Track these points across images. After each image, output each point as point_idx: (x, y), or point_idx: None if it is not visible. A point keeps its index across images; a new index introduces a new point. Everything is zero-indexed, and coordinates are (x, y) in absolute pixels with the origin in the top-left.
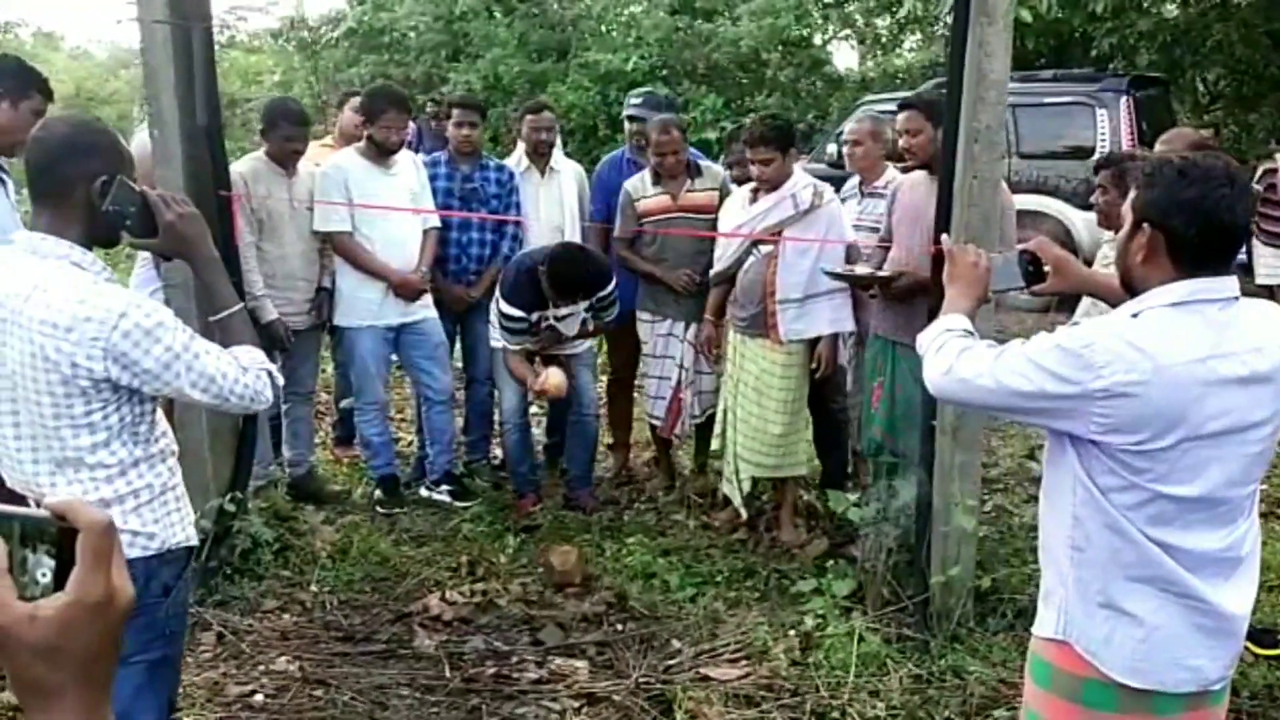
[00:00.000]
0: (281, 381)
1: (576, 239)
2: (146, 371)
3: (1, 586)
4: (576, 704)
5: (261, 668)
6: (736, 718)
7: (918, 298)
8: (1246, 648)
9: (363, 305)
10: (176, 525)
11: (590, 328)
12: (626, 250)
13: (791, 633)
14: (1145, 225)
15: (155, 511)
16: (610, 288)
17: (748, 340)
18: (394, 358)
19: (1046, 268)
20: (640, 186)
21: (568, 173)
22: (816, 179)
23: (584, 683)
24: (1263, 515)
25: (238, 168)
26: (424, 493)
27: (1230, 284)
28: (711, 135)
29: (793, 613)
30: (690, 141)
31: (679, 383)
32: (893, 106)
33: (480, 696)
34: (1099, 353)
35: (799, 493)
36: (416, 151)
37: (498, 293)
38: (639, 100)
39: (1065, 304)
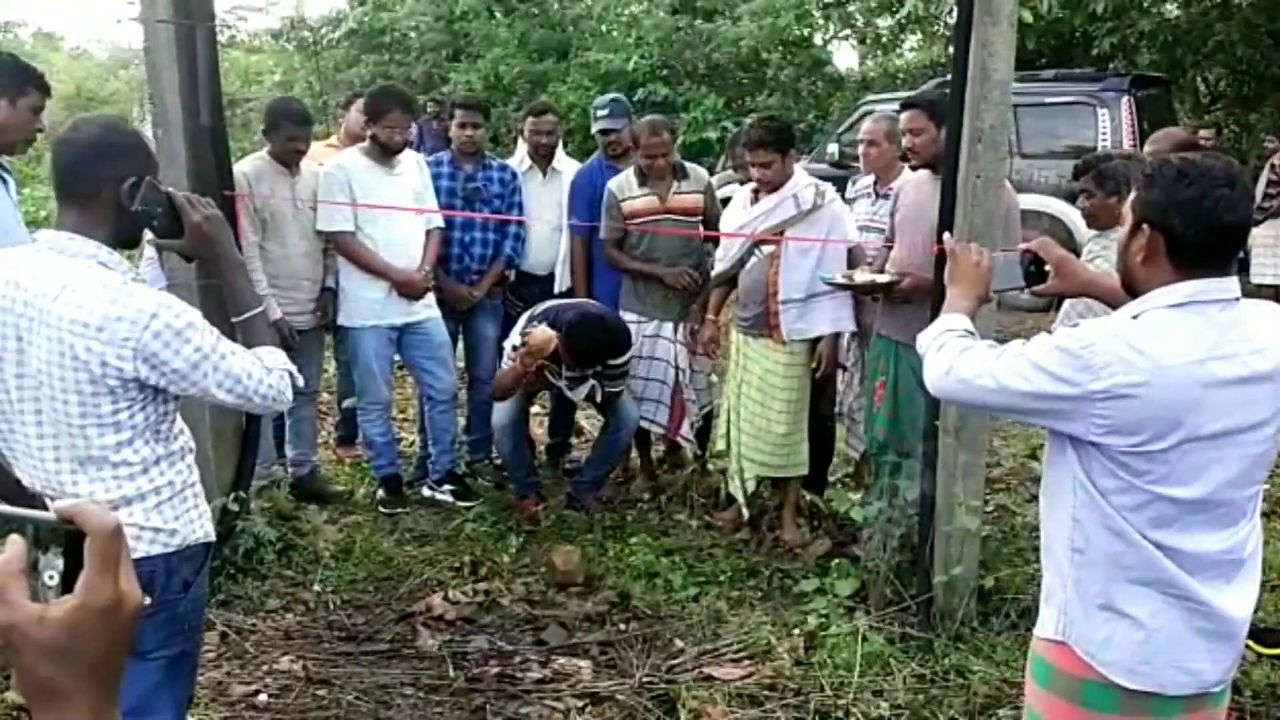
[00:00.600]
0: (301, 382)
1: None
2: (175, 371)
3: (16, 586)
4: (580, 703)
5: (265, 667)
6: (740, 717)
7: (921, 298)
8: (1249, 646)
9: (366, 305)
10: (195, 522)
11: (598, 397)
12: (616, 250)
13: (795, 632)
14: (1145, 226)
15: (175, 509)
16: (625, 357)
17: (751, 340)
18: (396, 358)
19: (1048, 268)
20: (625, 187)
21: (569, 174)
22: (818, 179)
23: (587, 682)
24: (1265, 514)
25: (241, 167)
26: (426, 492)
27: (1231, 285)
28: (712, 135)
29: (796, 612)
30: (690, 141)
31: (677, 383)
32: (895, 106)
33: (484, 696)
34: (1099, 354)
35: (801, 492)
36: (418, 151)
37: (521, 330)
38: (605, 112)
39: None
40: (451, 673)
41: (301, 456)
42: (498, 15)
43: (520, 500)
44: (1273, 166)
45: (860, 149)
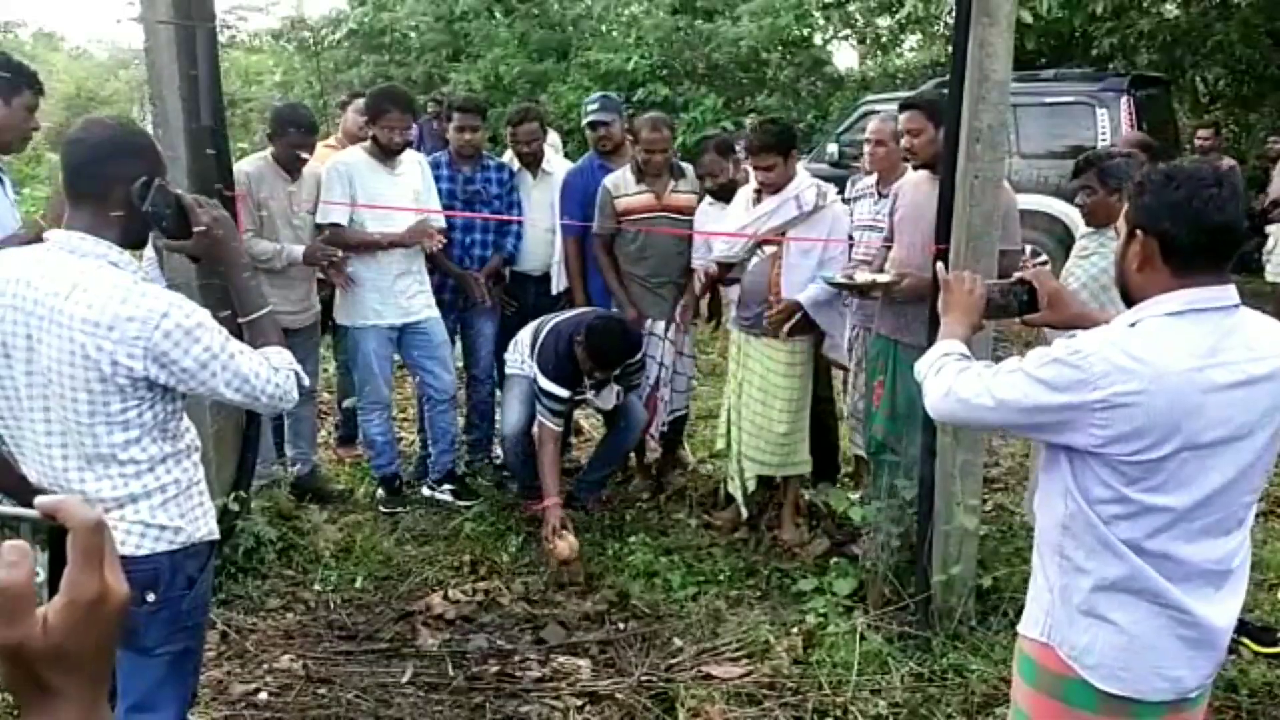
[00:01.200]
0: (306, 382)
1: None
2: (185, 370)
3: (30, 601)
4: (579, 702)
5: (265, 666)
6: (738, 716)
7: (920, 298)
8: (1246, 645)
9: (366, 305)
10: (200, 520)
11: (623, 399)
12: (604, 254)
13: (793, 631)
14: (1139, 233)
15: (180, 506)
16: (639, 355)
17: (752, 340)
18: (396, 357)
19: (1041, 298)
20: (621, 184)
21: (560, 174)
22: (819, 180)
23: (586, 681)
24: (1263, 514)
25: (242, 166)
26: (426, 492)
27: (1229, 293)
28: (712, 134)
29: (794, 611)
30: (691, 141)
31: (657, 381)
32: (895, 106)
33: (483, 695)
34: (1096, 364)
35: (801, 492)
36: (418, 152)
37: (539, 363)
38: (596, 105)
39: None
40: (451, 671)
41: (302, 456)
42: (498, 15)
43: (524, 500)
44: None
45: (866, 149)
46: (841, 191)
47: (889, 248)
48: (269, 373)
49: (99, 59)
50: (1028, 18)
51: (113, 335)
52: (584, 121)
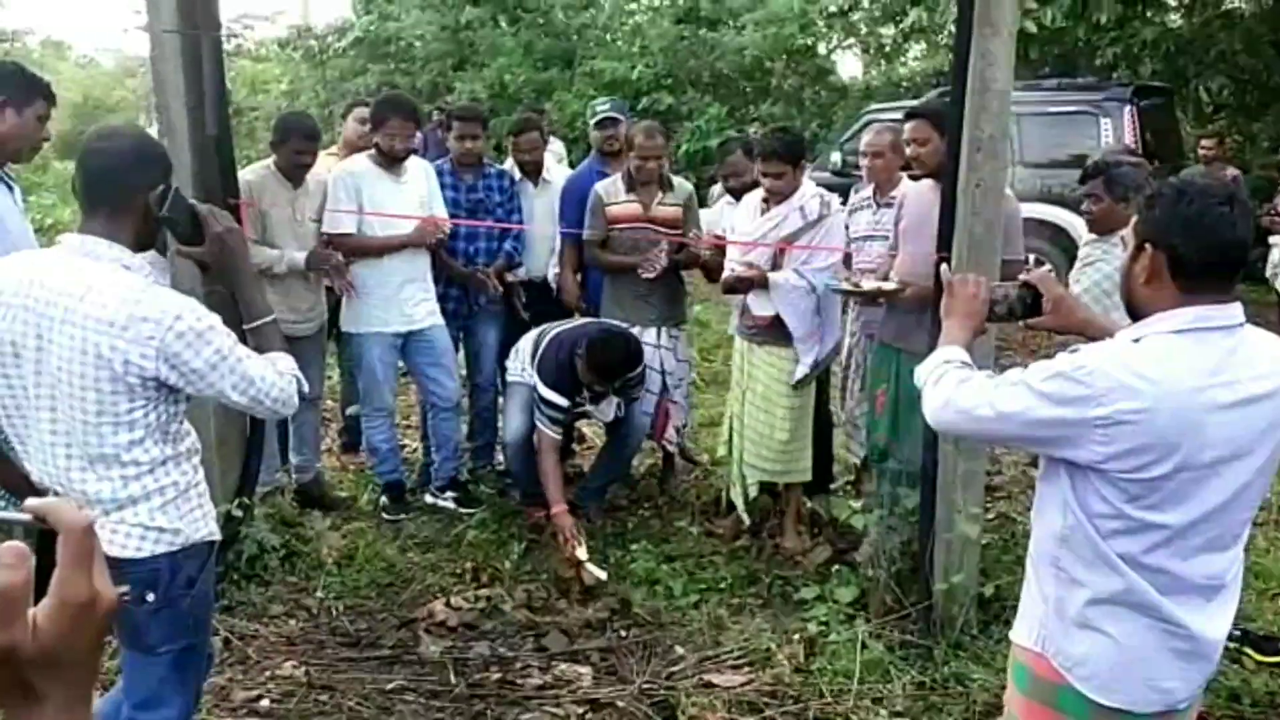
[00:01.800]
0: (307, 388)
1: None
2: (194, 371)
3: (25, 602)
4: (580, 710)
5: (268, 673)
6: None
7: (923, 306)
8: (1249, 655)
9: (370, 312)
10: (199, 521)
11: (623, 412)
12: (597, 249)
13: (795, 639)
14: (1147, 246)
15: (180, 508)
16: (640, 367)
17: (755, 348)
18: (401, 364)
19: (1045, 302)
20: (612, 191)
21: (560, 183)
22: (823, 189)
23: (588, 689)
24: (1262, 524)
25: (245, 175)
26: (429, 499)
27: (1234, 311)
28: (715, 143)
29: (796, 619)
30: (693, 150)
31: (664, 388)
32: (898, 115)
33: (485, 702)
34: (1100, 379)
35: (802, 499)
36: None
37: (539, 371)
38: (607, 105)
39: None
40: (453, 679)
41: (305, 463)
42: (503, 25)
43: (527, 507)
44: None
45: (864, 161)
46: (845, 200)
47: (894, 256)
48: (274, 377)
49: (106, 67)
50: (1032, 28)
51: (126, 335)
52: (592, 121)
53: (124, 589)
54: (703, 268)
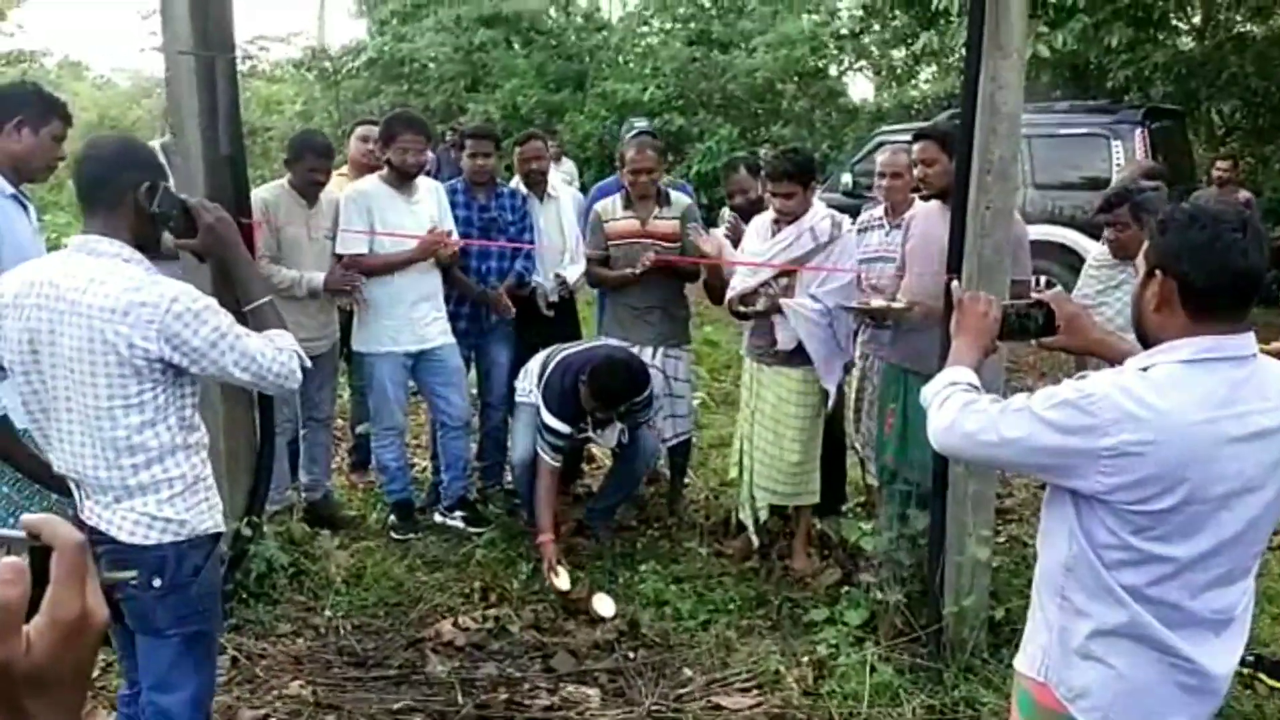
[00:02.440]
0: (309, 362)
1: (580, 261)
2: (195, 350)
3: (20, 618)
4: None
5: (275, 692)
6: None
7: (932, 326)
8: (1262, 680)
9: (382, 331)
10: (205, 513)
11: (627, 439)
12: (597, 267)
13: (804, 662)
14: (1158, 273)
15: (186, 500)
16: (645, 393)
17: (764, 369)
18: (411, 384)
19: (1058, 322)
20: (610, 208)
21: (566, 197)
22: (834, 210)
23: (595, 710)
24: (1275, 548)
25: (260, 194)
26: (438, 518)
27: (1246, 341)
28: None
29: (805, 642)
30: (705, 170)
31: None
32: (908, 137)
33: None
34: (1107, 409)
35: (813, 521)
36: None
37: (543, 396)
38: (643, 122)
39: None
40: (460, 699)
41: (315, 481)
42: (515, 46)
43: (534, 527)
44: None
45: (881, 181)
46: (855, 221)
47: (901, 277)
48: (274, 352)
49: (122, 88)
50: (1045, 52)
51: (128, 320)
52: (627, 137)
53: (131, 573)
54: (706, 286)
